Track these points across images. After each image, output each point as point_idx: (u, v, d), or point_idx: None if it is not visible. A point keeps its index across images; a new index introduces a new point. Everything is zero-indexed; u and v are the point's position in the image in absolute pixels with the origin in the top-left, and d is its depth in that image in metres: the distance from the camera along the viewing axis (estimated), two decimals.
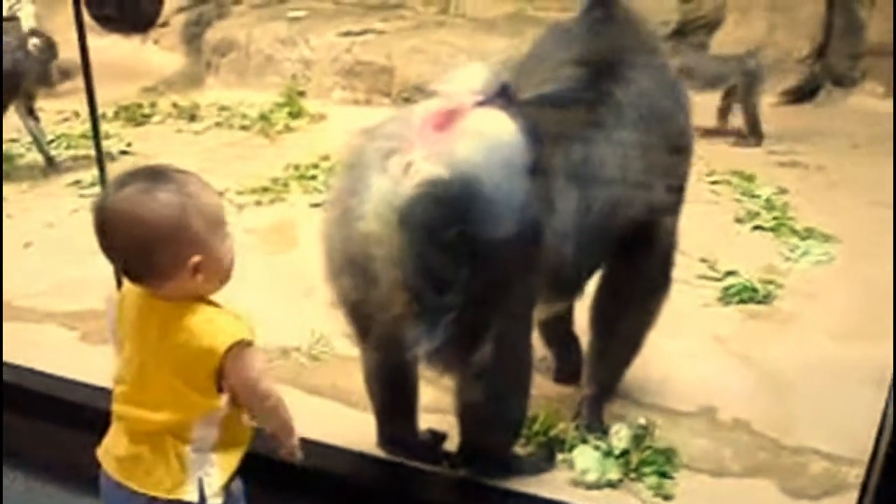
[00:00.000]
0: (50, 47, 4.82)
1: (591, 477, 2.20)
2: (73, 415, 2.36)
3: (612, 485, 2.20)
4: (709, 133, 4.89)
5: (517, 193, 1.83)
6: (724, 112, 5.08)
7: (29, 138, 5.12)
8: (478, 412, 2.08)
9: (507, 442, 2.21)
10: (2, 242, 3.60)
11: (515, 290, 1.94)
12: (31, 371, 2.61)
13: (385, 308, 1.90)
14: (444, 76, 1.88)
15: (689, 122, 2.35)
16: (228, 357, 1.59)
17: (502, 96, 1.88)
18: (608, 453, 2.26)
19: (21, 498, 2.45)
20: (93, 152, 4.04)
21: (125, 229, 1.56)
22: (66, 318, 3.08)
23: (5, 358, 2.69)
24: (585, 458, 2.24)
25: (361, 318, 2.03)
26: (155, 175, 1.60)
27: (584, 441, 2.30)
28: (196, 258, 1.57)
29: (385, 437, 2.28)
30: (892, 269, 2.80)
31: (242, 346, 1.60)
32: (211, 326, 1.59)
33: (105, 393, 1.77)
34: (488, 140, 1.80)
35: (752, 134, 4.95)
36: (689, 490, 2.18)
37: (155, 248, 1.56)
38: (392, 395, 2.25)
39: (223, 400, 1.63)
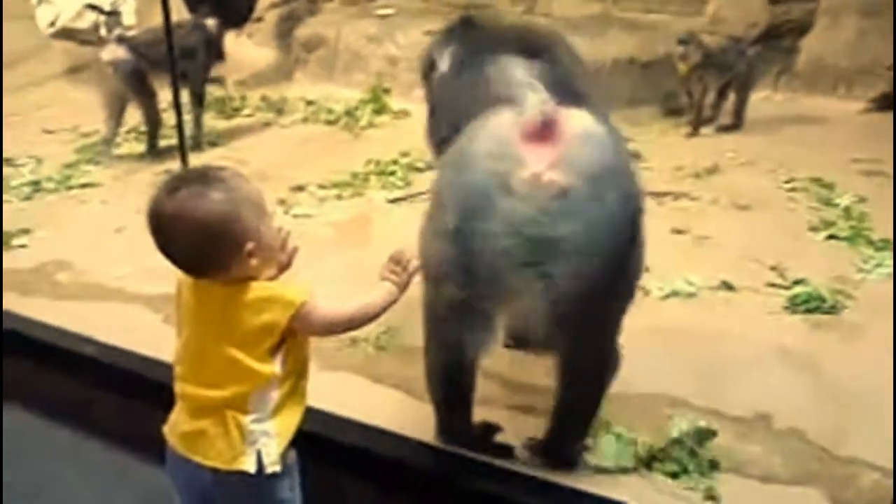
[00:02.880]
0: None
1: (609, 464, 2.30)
2: (153, 391, 2.52)
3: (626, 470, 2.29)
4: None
5: (637, 183, 1.96)
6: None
7: (125, 128, 5.39)
8: (577, 405, 2.22)
9: (587, 433, 2.32)
10: (2, 232, 3.85)
11: (633, 283, 2.07)
12: (115, 348, 2.80)
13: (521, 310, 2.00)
14: (498, 85, 1.95)
15: None
16: (297, 325, 1.74)
17: (569, 95, 1.95)
18: (632, 442, 2.35)
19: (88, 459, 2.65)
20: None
21: (183, 231, 1.69)
22: (152, 301, 3.25)
23: (96, 336, 2.89)
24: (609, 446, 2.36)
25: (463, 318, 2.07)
26: (201, 176, 1.74)
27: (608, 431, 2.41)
28: (250, 245, 1.71)
29: (445, 429, 2.37)
30: None
31: (303, 309, 1.73)
32: (269, 303, 1.73)
33: None
34: (598, 140, 1.88)
35: (738, 119, 5.40)
36: (733, 493, 2.21)
37: (213, 244, 1.69)
38: (457, 389, 2.31)
39: (278, 364, 1.75)
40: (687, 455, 2.31)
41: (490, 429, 2.40)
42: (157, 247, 1.74)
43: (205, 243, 1.69)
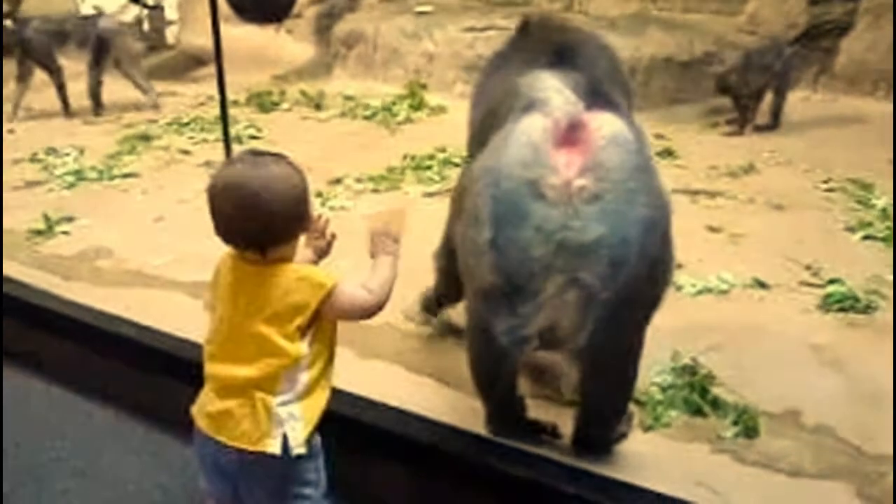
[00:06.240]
0: None
1: None
2: (191, 372, 2.59)
3: None
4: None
5: (661, 183, 1.98)
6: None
7: (166, 120, 5.51)
8: (606, 399, 2.26)
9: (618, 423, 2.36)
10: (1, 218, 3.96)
11: (663, 283, 2.08)
12: (154, 330, 2.88)
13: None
14: (527, 90, 1.97)
15: None
16: (327, 308, 1.79)
17: (594, 96, 1.96)
18: None
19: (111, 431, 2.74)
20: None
21: (270, 200, 1.76)
22: (192, 287, 3.30)
23: (136, 319, 2.97)
24: None
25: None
26: (273, 155, 1.86)
27: None
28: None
29: (493, 419, 2.39)
30: None
31: (333, 293, 1.79)
32: (303, 283, 1.79)
33: None
34: (624, 142, 1.89)
35: (775, 119, 5.42)
36: (762, 486, 2.22)
37: (294, 212, 1.80)
38: (500, 383, 2.34)
39: (305, 344, 1.80)
40: None
41: (539, 423, 2.42)
42: (224, 219, 1.78)
43: (288, 211, 1.78)
